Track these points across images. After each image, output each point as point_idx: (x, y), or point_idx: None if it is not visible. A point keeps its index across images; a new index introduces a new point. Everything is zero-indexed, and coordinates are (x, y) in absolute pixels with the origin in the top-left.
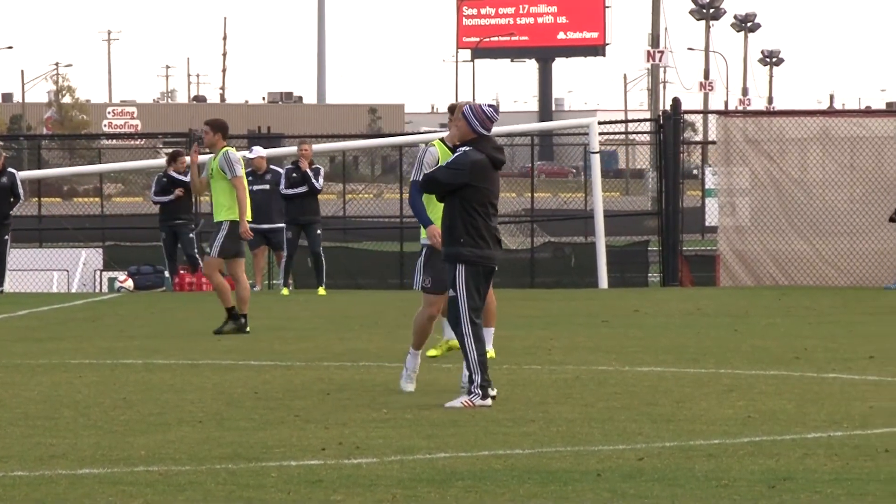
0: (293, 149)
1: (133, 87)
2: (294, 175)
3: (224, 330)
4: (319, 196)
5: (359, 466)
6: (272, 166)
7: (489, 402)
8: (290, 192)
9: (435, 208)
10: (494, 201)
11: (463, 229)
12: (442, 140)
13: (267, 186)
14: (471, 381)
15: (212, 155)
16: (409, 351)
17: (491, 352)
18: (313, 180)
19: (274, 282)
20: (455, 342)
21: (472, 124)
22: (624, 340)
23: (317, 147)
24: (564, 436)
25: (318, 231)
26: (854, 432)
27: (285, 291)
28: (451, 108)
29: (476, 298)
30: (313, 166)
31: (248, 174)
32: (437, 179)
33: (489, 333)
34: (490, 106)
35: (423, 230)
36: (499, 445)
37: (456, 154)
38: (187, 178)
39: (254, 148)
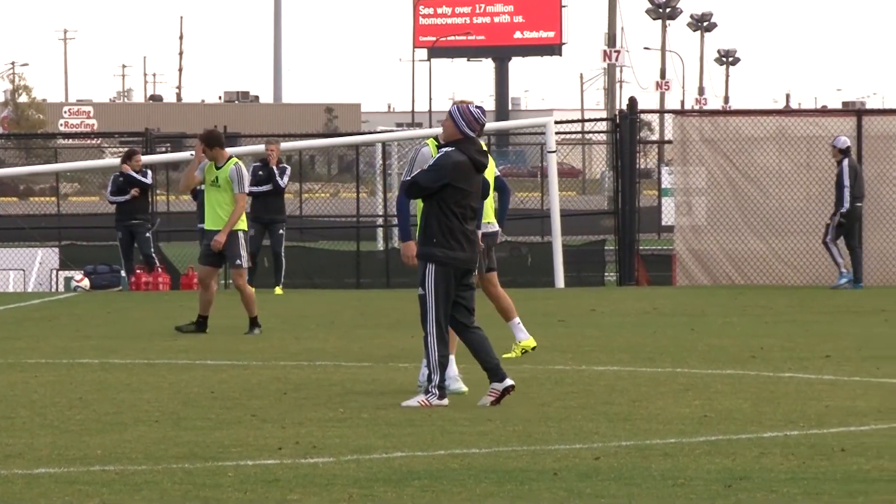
0: (249, 148)
1: (89, 87)
2: (260, 173)
3: (254, 332)
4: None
5: (315, 466)
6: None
7: (446, 401)
8: (255, 189)
9: None
10: (474, 204)
11: (437, 229)
12: (436, 139)
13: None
14: (429, 380)
15: (208, 162)
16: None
17: (532, 340)
18: (278, 178)
19: (230, 281)
20: (527, 342)
21: (458, 125)
22: (580, 340)
23: None
24: (521, 435)
25: (281, 231)
26: (810, 431)
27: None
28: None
29: (443, 299)
30: (280, 165)
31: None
32: (420, 184)
33: (515, 326)
34: (478, 107)
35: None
36: (455, 445)
37: (438, 155)
38: (146, 179)
39: None
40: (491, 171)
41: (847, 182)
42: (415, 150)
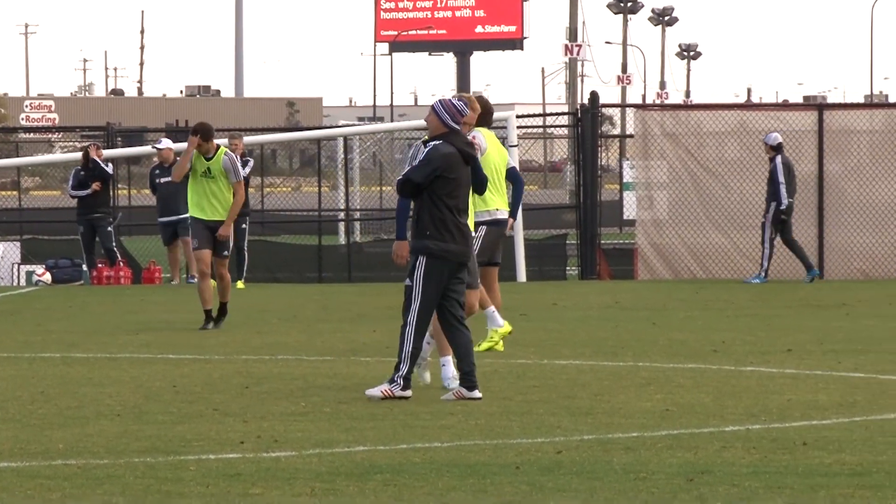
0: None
1: (50, 81)
2: None
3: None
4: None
5: (277, 460)
6: (178, 158)
7: (409, 393)
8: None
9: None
10: (465, 196)
11: (430, 221)
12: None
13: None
14: (396, 368)
15: (193, 152)
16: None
17: (505, 327)
18: (239, 168)
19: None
20: (504, 329)
21: (443, 118)
22: (542, 334)
23: None
24: (483, 429)
25: (244, 225)
26: (772, 425)
27: (213, 284)
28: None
29: (432, 292)
30: (244, 157)
31: (155, 167)
32: (413, 180)
33: (491, 312)
34: (461, 100)
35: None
36: (418, 439)
37: (426, 149)
38: (108, 169)
39: (162, 139)
40: (503, 161)
41: (781, 178)
42: (414, 147)
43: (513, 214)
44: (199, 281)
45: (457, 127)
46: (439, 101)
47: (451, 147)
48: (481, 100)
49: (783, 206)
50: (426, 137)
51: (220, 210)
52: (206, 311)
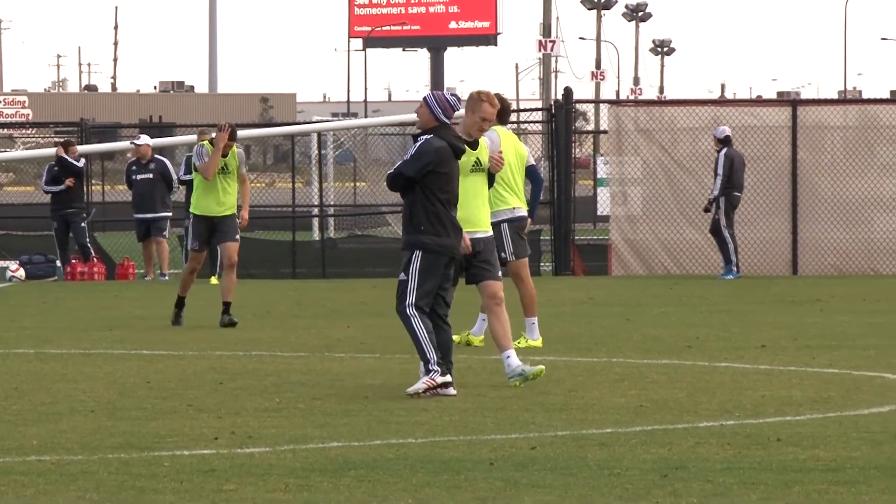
0: (184, 138)
1: (24, 76)
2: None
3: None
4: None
5: (251, 456)
6: (157, 156)
7: (449, 377)
8: (187, 178)
9: (471, 194)
10: (456, 190)
11: (424, 216)
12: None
13: (151, 176)
14: (426, 361)
15: (206, 148)
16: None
17: (538, 341)
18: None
19: (175, 270)
20: (475, 339)
21: (434, 112)
22: (516, 329)
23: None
24: (457, 425)
25: None
26: (746, 421)
27: None
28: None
29: (428, 285)
30: None
31: (132, 163)
32: (405, 174)
33: (531, 324)
34: (453, 95)
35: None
36: (392, 435)
37: (418, 143)
38: (78, 164)
39: (140, 136)
40: (521, 159)
41: (720, 171)
42: (423, 138)
43: (531, 213)
44: (185, 272)
45: (447, 121)
46: (431, 93)
47: (441, 141)
48: (499, 97)
49: (712, 197)
50: (416, 131)
51: (229, 205)
52: (181, 297)
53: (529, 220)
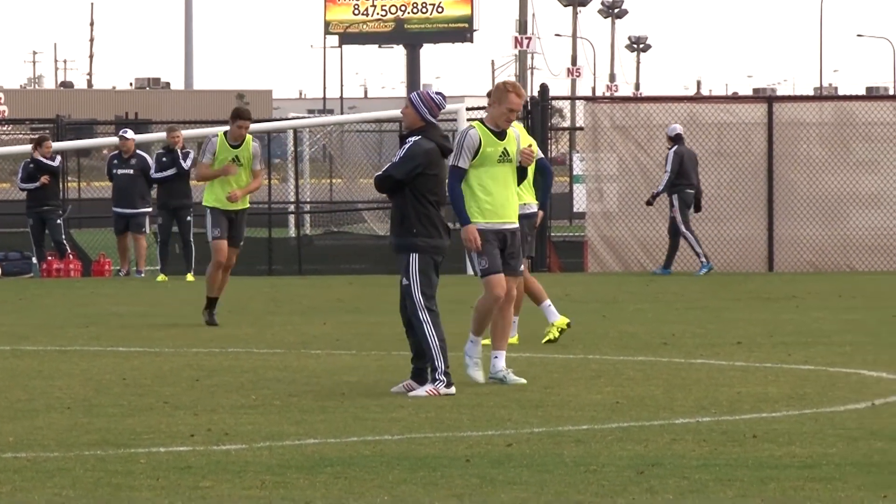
0: (161, 135)
1: None
2: (164, 159)
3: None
4: (191, 182)
5: (228, 453)
6: (139, 151)
7: (453, 389)
8: (159, 175)
9: (498, 187)
10: (445, 190)
11: (416, 219)
12: (482, 121)
13: (131, 171)
14: (434, 368)
15: (218, 143)
16: (471, 338)
17: (514, 338)
18: (181, 160)
19: (151, 267)
20: (561, 321)
21: (420, 112)
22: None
23: (185, 133)
24: (433, 422)
25: (189, 218)
26: (722, 418)
27: (162, 277)
28: (490, 95)
29: (430, 286)
30: (183, 150)
31: (114, 157)
32: (394, 176)
33: (546, 308)
34: (438, 93)
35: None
36: (368, 431)
37: (406, 145)
38: (55, 164)
39: (127, 130)
40: (515, 146)
41: (668, 168)
42: (460, 132)
43: (542, 207)
44: (212, 270)
45: (434, 120)
46: (416, 93)
47: (430, 143)
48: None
49: (656, 192)
50: (475, 123)
51: (245, 198)
52: (211, 298)
53: (541, 212)
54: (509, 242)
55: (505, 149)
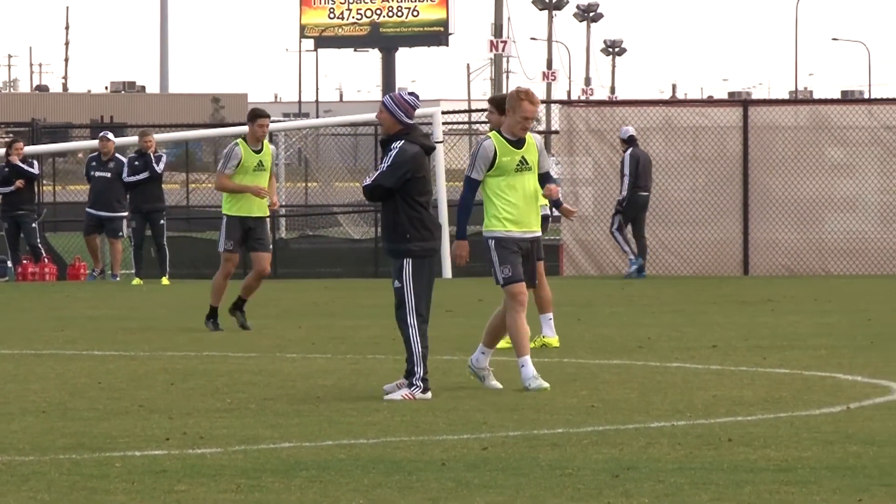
0: (134, 139)
1: None
2: (136, 163)
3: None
4: (164, 185)
5: (203, 456)
6: (118, 155)
7: (429, 395)
8: (132, 179)
9: (507, 191)
10: (432, 190)
11: (409, 224)
12: (498, 131)
13: (108, 175)
14: (411, 373)
15: (240, 148)
16: (481, 349)
17: (555, 339)
18: (154, 164)
19: (126, 271)
20: (550, 340)
21: (397, 115)
22: (468, 330)
23: (160, 136)
24: (409, 425)
25: (162, 221)
26: (697, 421)
27: (137, 281)
28: (493, 101)
29: (424, 290)
30: (156, 153)
31: (92, 159)
32: (384, 185)
33: (546, 320)
34: (411, 94)
35: (486, 220)
36: (343, 435)
37: (393, 152)
38: (33, 170)
39: (108, 132)
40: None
41: (626, 171)
42: (477, 143)
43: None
44: (220, 278)
45: (411, 122)
46: (389, 96)
47: (414, 146)
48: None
49: (621, 197)
50: (491, 133)
51: (264, 204)
52: (214, 307)
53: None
54: (530, 251)
55: (523, 157)
